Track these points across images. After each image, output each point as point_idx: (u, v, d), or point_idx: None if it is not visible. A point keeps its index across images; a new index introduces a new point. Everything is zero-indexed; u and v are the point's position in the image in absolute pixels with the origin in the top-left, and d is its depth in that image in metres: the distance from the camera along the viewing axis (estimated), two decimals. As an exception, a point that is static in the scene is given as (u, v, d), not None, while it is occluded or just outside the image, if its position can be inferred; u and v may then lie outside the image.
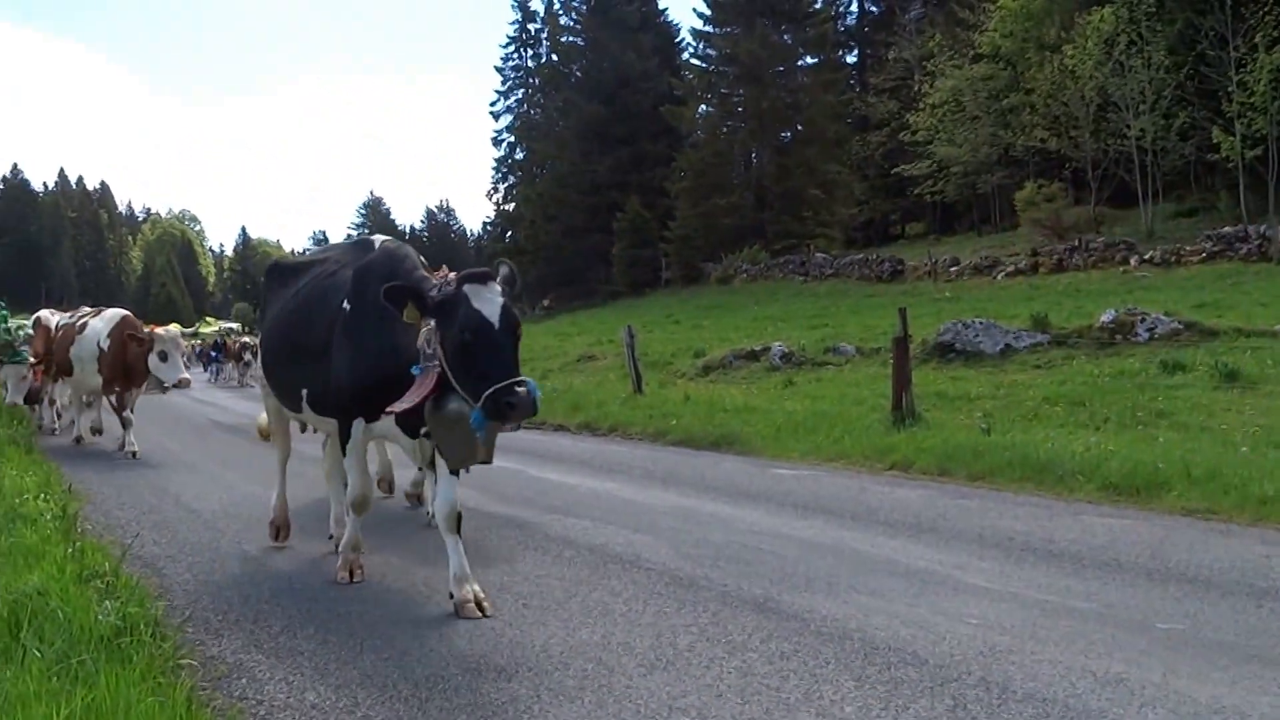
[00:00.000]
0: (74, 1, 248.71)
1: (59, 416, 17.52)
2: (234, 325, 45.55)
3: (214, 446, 14.94)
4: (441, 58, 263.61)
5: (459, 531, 5.91)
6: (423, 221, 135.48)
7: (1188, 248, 30.12)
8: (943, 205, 53.90)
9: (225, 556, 7.43)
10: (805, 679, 4.51)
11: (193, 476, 11.74)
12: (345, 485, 6.85)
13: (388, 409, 5.77)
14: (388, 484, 9.75)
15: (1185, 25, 35.32)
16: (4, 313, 16.19)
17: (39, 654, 4.45)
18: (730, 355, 21.81)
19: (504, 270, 5.71)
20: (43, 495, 8.72)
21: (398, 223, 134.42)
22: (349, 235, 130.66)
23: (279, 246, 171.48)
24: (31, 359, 15.35)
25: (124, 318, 14.62)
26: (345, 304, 6.25)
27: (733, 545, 7.23)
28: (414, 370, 5.65)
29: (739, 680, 4.52)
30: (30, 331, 16.47)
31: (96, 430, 15.69)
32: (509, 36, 79.51)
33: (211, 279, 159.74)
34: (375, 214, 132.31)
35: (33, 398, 16.20)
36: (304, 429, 9.76)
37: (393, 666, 4.87)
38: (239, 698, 4.53)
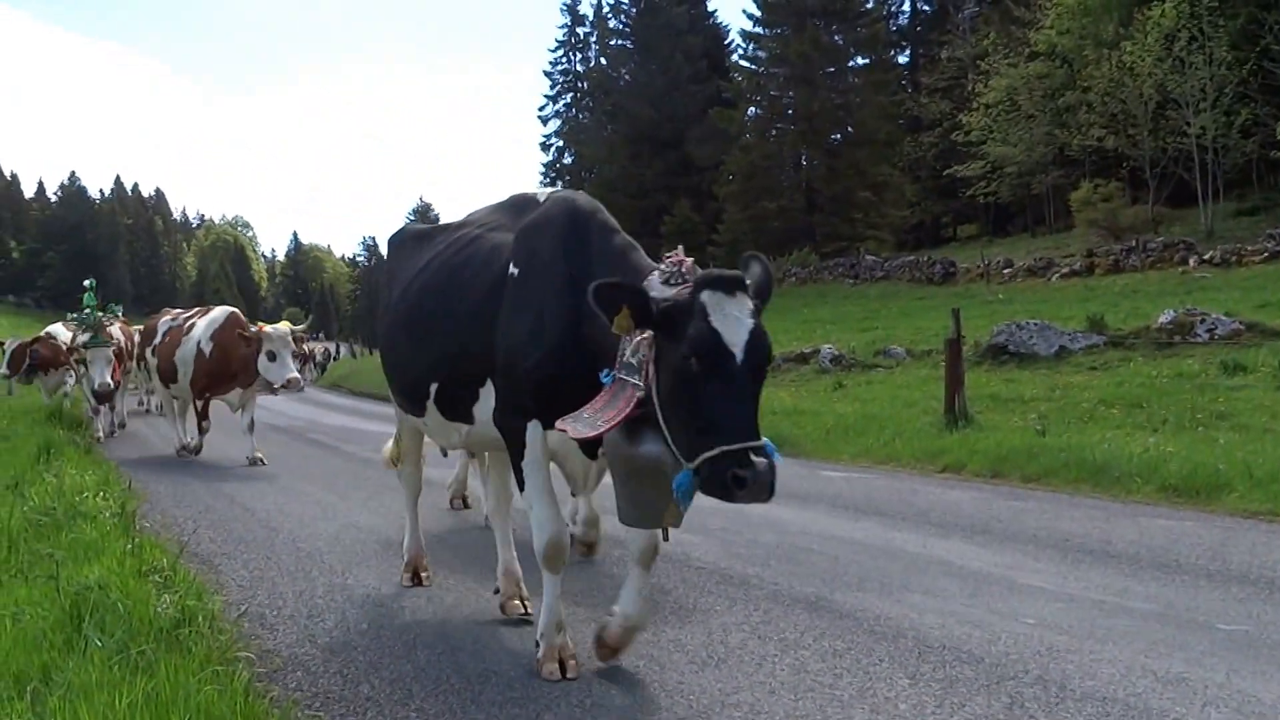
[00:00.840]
0: (141, 15, 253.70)
1: (118, 426, 17.27)
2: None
3: (269, 448, 15.10)
4: (494, 65, 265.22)
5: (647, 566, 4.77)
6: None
7: (1249, 247, 29.53)
8: (996, 206, 53.34)
9: (279, 553, 7.50)
10: (859, 676, 4.49)
11: (247, 476, 11.91)
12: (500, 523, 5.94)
13: (558, 423, 4.25)
14: (461, 499, 9.41)
15: (1248, 20, 34.72)
16: (92, 297, 15.84)
17: (100, 644, 4.53)
18: (780, 358, 21.70)
19: (757, 271, 4.25)
20: (102, 493, 8.87)
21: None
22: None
23: (329, 252, 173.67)
24: (113, 351, 15.08)
25: (229, 316, 13.73)
26: (512, 268, 4.77)
27: (783, 546, 7.21)
28: (603, 378, 4.23)
29: (792, 677, 4.50)
30: (119, 314, 16.49)
31: (194, 449, 14.00)
32: (558, 40, 79.79)
33: (264, 284, 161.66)
34: (424, 219, 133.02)
35: (107, 395, 15.54)
36: (445, 452, 8.94)
37: (445, 661, 4.89)
38: (294, 690, 4.57)
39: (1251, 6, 34.74)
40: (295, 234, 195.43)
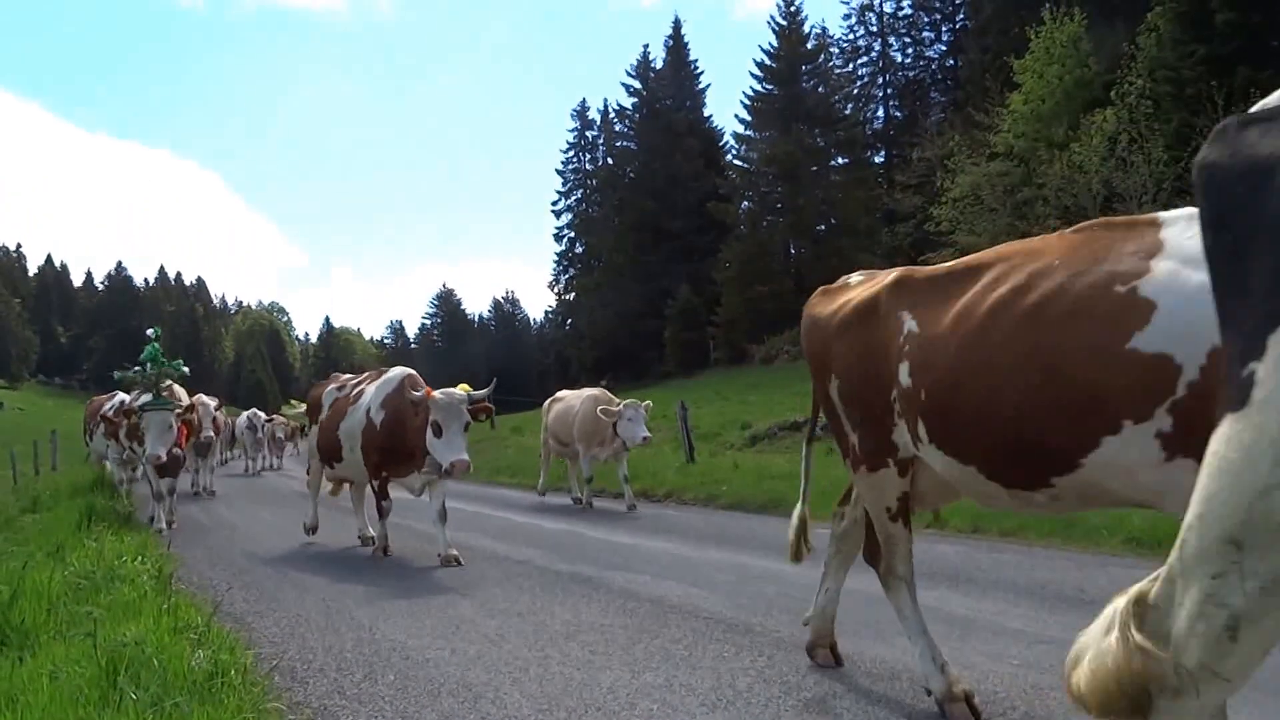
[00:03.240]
0: (185, 123, 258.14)
1: (170, 519, 13.12)
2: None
3: (301, 514, 14.99)
4: (510, 165, 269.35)
5: None
6: (490, 311, 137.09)
7: (1196, 324, 29.66)
8: (966, 289, 53.56)
9: (309, 610, 7.44)
10: (859, 715, 4.41)
11: (280, 539, 11.84)
12: None
13: None
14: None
15: (1180, 124, 35.23)
16: (155, 348, 13.21)
17: (135, 698, 4.44)
18: (775, 427, 21.67)
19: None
20: (140, 557, 8.79)
21: (468, 313, 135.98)
22: (423, 324, 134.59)
23: (359, 334, 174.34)
24: (177, 411, 12.26)
25: (404, 379, 10.19)
26: None
27: (784, 597, 7.13)
28: None
29: (796, 716, 4.43)
30: (184, 370, 13.63)
31: (374, 541, 10.56)
32: (568, 142, 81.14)
33: (297, 365, 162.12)
34: (447, 304, 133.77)
35: (171, 467, 12.69)
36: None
37: (469, 709, 4.82)
38: (325, 739, 4.45)
39: (1184, 112, 35.31)
40: (327, 318, 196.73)
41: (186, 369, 13.96)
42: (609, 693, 4.91)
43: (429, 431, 9.31)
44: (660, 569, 8.40)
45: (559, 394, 16.45)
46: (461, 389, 9.66)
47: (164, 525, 12.57)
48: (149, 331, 13.79)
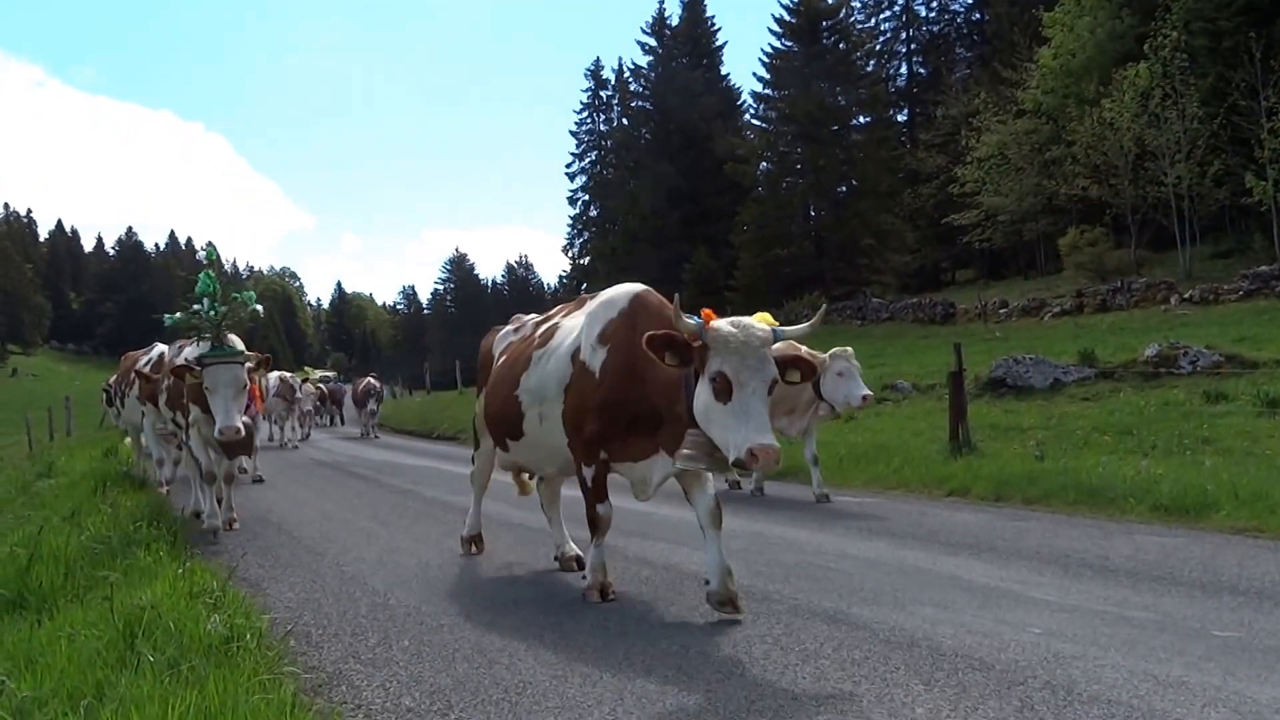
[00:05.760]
0: (193, 86, 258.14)
1: (230, 516, 10.18)
2: (330, 374, 43.70)
3: (316, 482, 15.13)
4: (522, 127, 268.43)
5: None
6: (503, 275, 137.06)
7: (1225, 286, 29.35)
8: (991, 252, 53.18)
9: (324, 577, 7.49)
10: (876, 684, 4.43)
11: (294, 506, 11.92)
12: None
13: None
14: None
15: (1217, 79, 34.74)
16: (210, 278, 9.56)
17: (152, 660, 4.52)
18: (794, 393, 21.62)
19: None
20: (156, 522, 8.87)
21: (481, 278, 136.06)
22: (435, 290, 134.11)
23: (371, 300, 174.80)
24: (251, 365, 9.16)
25: (637, 300, 6.20)
26: None
27: (801, 564, 7.15)
28: None
29: (813, 685, 4.45)
30: (256, 308, 9.91)
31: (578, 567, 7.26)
32: (582, 103, 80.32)
33: (310, 331, 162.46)
34: (460, 269, 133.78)
35: (242, 444, 9.30)
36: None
37: (484, 673, 4.85)
38: (339, 702, 4.54)
39: (1220, 66, 34.77)
40: (339, 283, 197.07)
41: (259, 305, 10.18)
42: (624, 659, 4.94)
43: (703, 387, 5.34)
44: (677, 537, 8.44)
45: None
46: (761, 319, 5.82)
47: (219, 524, 9.68)
48: (200, 254, 9.48)
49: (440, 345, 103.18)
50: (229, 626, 5.13)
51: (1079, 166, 39.45)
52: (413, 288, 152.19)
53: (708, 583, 5.72)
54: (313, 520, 10.59)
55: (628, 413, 5.91)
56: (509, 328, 7.92)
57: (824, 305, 6.78)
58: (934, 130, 55.99)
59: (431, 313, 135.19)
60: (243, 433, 8.77)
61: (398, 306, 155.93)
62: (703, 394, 5.32)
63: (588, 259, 77.53)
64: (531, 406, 6.70)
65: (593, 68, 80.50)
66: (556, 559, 7.54)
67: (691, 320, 5.44)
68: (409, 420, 32.35)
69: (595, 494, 6.27)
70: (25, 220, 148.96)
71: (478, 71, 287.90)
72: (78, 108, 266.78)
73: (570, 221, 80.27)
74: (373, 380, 29.67)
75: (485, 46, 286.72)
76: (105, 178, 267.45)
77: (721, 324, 5.38)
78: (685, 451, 5.49)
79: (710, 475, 5.92)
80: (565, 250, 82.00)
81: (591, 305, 6.52)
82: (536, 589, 6.76)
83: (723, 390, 5.19)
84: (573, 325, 6.61)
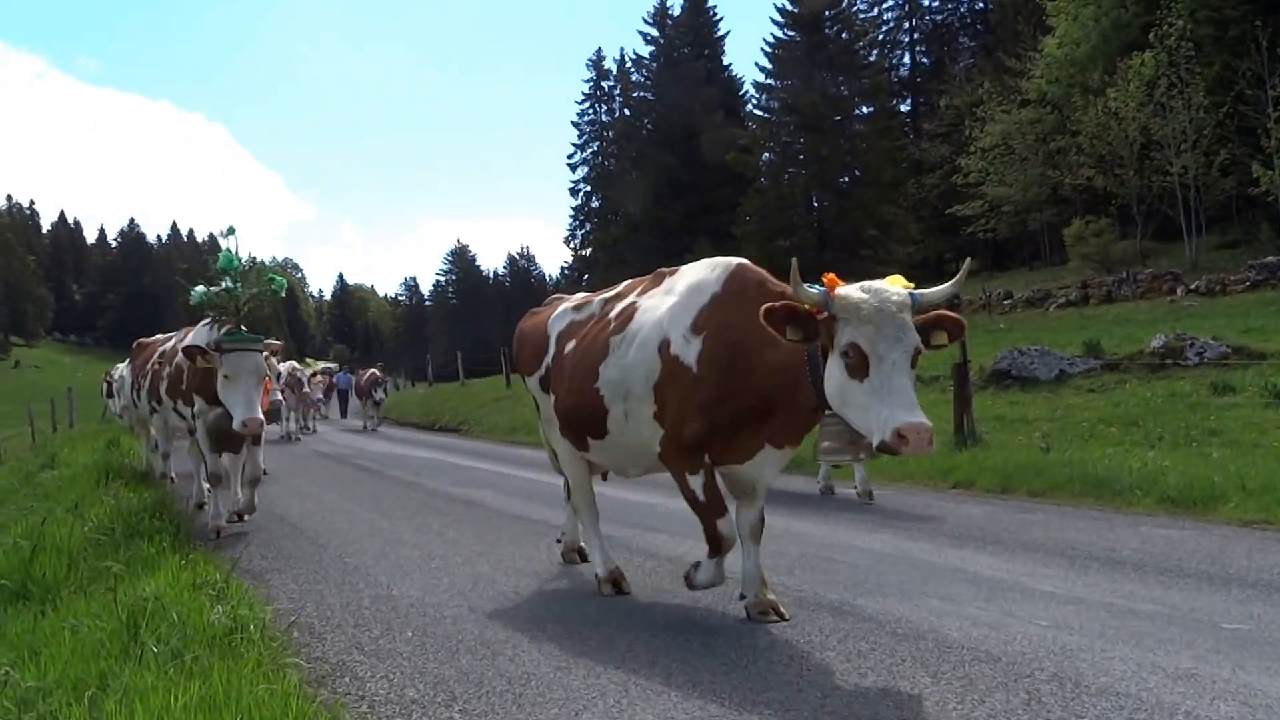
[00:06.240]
0: (188, 74, 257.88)
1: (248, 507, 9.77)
2: (332, 365, 43.65)
3: (319, 474, 15.15)
4: (524, 117, 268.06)
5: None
6: (505, 267, 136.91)
7: (1231, 277, 29.27)
8: (995, 242, 53.17)
9: (327, 568, 7.50)
10: (883, 675, 4.42)
11: (296, 498, 11.93)
12: None
13: None
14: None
15: (1223, 67, 34.62)
16: (231, 255, 9.15)
17: (155, 651, 4.53)
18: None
19: None
20: (158, 514, 8.88)
21: (483, 269, 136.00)
22: (437, 281, 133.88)
23: (373, 292, 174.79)
24: (270, 354, 8.80)
25: (734, 275, 5.40)
26: None
27: (807, 556, 7.14)
28: None
29: (819, 676, 4.44)
30: (279, 286, 9.32)
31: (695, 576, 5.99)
32: (584, 94, 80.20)
33: (312, 323, 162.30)
34: (461, 260, 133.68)
35: (240, 439, 8.82)
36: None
37: (487, 665, 4.85)
38: (342, 693, 4.54)
39: (1226, 55, 34.66)
40: (341, 275, 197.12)
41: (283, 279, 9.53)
42: (628, 651, 4.94)
43: (834, 365, 4.65)
44: (679, 528, 8.39)
45: None
46: (895, 282, 4.95)
47: (223, 518, 9.22)
48: (219, 233, 9.62)
49: (442, 337, 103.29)
50: (232, 617, 5.15)
51: (1084, 156, 39.35)
52: (415, 279, 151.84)
53: (743, 596, 5.44)
54: (315, 512, 10.60)
55: (736, 407, 5.14)
56: (567, 305, 6.66)
57: (968, 260, 5.63)
58: (937, 120, 55.93)
59: (433, 304, 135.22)
60: (262, 425, 8.31)
61: (400, 298, 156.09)
62: (834, 372, 4.63)
63: (590, 250, 77.48)
64: (615, 402, 5.73)
65: (594, 58, 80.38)
66: (559, 544, 7.39)
67: (814, 289, 4.75)
68: (411, 412, 32.41)
69: (712, 508, 5.45)
70: (28, 212, 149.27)
71: (480, 62, 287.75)
72: (79, 99, 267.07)
73: (572, 212, 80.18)
74: (377, 371, 29.65)
75: (487, 36, 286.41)
76: (107, 169, 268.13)
77: (850, 290, 4.69)
78: (824, 444, 5.27)
79: (764, 490, 5.52)
80: (567, 241, 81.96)
81: (678, 285, 5.65)
82: (539, 581, 6.76)
83: (858, 366, 4.51)
84: (654, 306, 5.68)
